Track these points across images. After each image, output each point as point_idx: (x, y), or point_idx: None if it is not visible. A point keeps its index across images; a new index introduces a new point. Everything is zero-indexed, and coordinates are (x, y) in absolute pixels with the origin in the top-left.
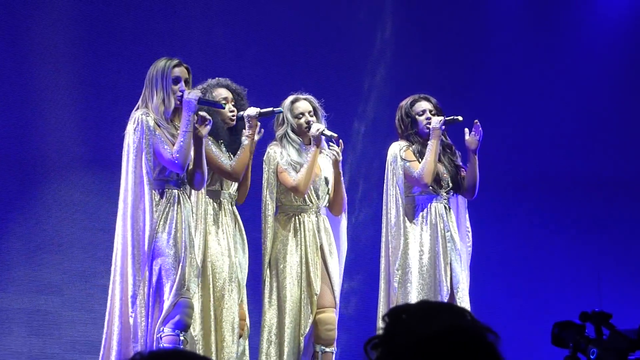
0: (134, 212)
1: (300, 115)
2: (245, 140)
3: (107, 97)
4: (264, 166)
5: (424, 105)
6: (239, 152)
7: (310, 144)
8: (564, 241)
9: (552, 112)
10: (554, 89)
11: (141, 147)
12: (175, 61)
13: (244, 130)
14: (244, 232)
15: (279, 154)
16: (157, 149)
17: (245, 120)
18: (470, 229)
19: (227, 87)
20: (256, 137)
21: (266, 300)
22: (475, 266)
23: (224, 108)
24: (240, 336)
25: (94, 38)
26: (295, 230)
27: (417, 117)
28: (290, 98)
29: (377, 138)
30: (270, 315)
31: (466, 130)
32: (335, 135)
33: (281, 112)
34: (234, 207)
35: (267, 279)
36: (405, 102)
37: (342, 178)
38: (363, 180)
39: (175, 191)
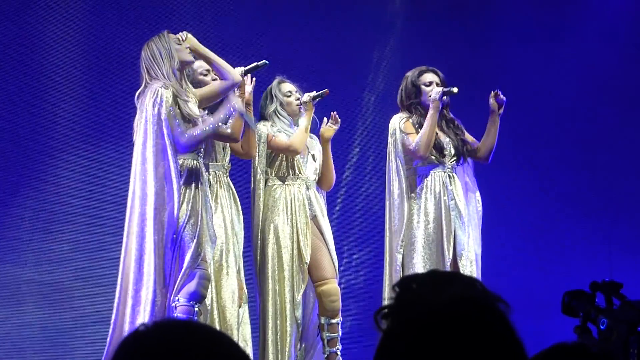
0: (159, 183)
1: (289, 93)
2: (237, 103)
3: (118, 68)
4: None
5: (431, 77)
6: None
7: (297, 125)
8: (575, 211)
9: (563, 83)
10: (565, 62)
11: (163, 118)
12: (165, 32)
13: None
14: (238, 203)
15: (268, 127)
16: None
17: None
18: (480, 200)
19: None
20: (248, 91)
21: (259, 270)
22: (486, 235)
23: (267, 63)
24: (239, 306)
25: (104, 7)
26: (285, 201)
27: (423, 87)
28: (277, 79)
29: (388, 109)
30: (264, 285)
31: (492, 93)
32: (326, 90)
33: (266, 64)
34: (229, 179)
35: (259, 249)
36: (412, 72)
37: (330, 154)
38: (373, 151)
39: (194, 162)
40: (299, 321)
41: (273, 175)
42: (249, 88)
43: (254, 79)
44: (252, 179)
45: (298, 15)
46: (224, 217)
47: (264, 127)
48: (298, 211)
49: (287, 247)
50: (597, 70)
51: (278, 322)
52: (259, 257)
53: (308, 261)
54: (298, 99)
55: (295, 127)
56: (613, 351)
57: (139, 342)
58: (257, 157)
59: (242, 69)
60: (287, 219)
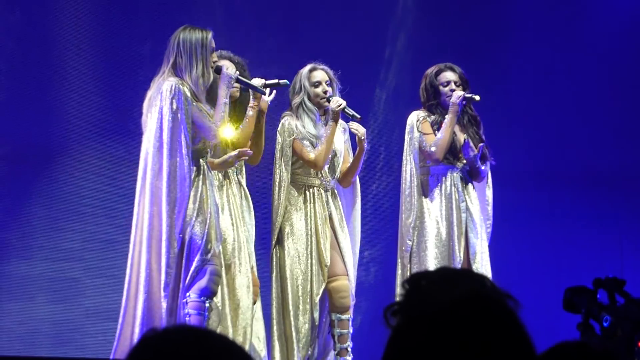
0: (170, 182)
1: (317, 84)
2: (249, 112)
3: (129, 64)
4: (277, 137)
5: (448, 75)
6: (242, 124)
7: (324, 114)
8: (587, 208)
9: (574, 76)
10: (578, 61)
11: (180, 116)
12: (211, 32)
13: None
14: (250, 200)
15: (294, 126)
16: (197, 119)
17: (250, 91)
18: (491, 200)
19: (230, 59)
20: (265, 102)
21: (274, 270)
22: (496, 233)
23: (262, 93)
24: (254, 302)
25: (114, 6)
26: (304, 202)
27: (440, 87)
28: (308, 66)
29: (399, 105)
30: (277, 285)
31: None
32: (359, 116)
33: (287, 85)
34: (239, 177)
35: (276, 250)
36: (430, 71)
37: (363, 154)
38: (384, 147)
39: (202, 161)
40: (316, 322)
41: (296, 174)
42: (267, 98)
43: (274, 91)
44: (277, 178)
45: (308, 11)
46: (234, 215)
47: (289, 125)
48: (318, 213)
49: (304, 248)
50: (611, 65)
51: (299, 319)
52: (275, 258)
53: (328, 263)
54: (325, 92)
55: (321, 119)
56: (616, 349)
57: (149, 349)
58: (280, 155)
59: (263, 81)
60: (306, 220)
